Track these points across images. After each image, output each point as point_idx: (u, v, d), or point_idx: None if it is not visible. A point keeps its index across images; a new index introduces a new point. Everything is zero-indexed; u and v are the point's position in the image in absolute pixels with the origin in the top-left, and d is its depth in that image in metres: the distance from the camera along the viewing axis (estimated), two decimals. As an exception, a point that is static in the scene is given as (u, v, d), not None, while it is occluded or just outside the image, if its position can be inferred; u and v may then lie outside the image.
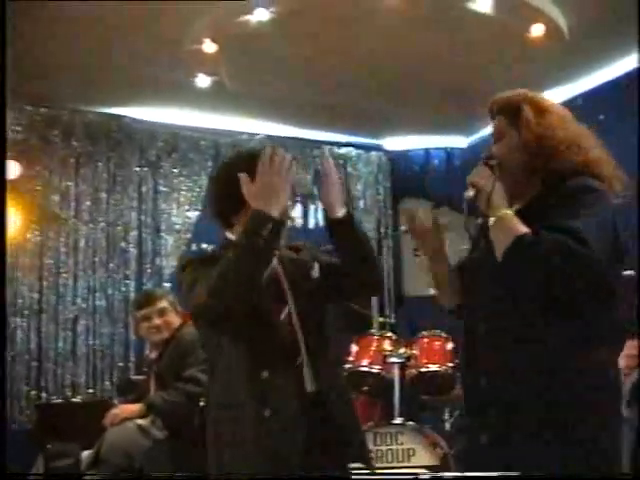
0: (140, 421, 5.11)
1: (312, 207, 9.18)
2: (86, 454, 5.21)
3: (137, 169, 8.82)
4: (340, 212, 3.10)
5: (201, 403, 4.67)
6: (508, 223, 2.68)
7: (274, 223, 2.85)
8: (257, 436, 3.00)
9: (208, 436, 3.22)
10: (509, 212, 2.71)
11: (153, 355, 5.59)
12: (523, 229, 2.63)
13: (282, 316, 3.13)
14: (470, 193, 2.79)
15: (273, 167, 2.90)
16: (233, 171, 3.09)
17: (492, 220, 2.73)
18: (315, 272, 3.24)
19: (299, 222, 8.53)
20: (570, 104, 7.98)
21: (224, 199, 3.23)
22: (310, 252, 3.34)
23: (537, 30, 6.72)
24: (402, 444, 5.97)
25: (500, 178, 2.78)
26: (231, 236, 3.19)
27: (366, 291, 3.99)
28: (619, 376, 2.72)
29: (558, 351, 2.62)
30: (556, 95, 8.19)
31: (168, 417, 5.05)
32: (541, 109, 2.82)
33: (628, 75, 7.73)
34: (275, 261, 3.14)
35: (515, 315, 2.71)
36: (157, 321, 5.41)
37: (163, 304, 5.47)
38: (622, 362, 5.69)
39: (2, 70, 3.59)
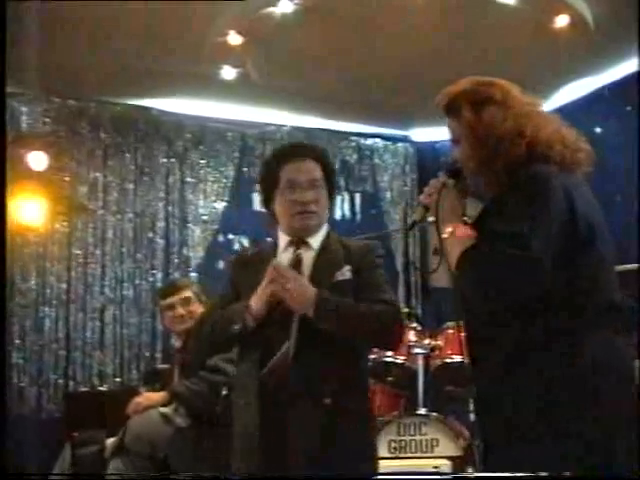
0: (163, 409, 5.15)
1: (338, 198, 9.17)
2: (110, 441, 5.25)
3: (164, 160, 8.85)
4: (310, 311, 3.14)
5: (224, 392, 4.72)
6: (457, 242, 2.69)
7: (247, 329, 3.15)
8: (236, 426, 3.28)
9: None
10: (457, 225, 2.73)
11: (177, 344, 5.63)
12: (468, 242, 2.64)
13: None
14: (415, 216, 2.90)
15: (275, 280, 3.13)
16: (271, 161, 3.48)
17: (444, 235, 2.75)
18: (343, 274, 3.32)
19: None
20: (596, 95, 8.07)
21: (263, 186, 3.48)
22: (367, 252, 3.42)
23: (562, 21, 6.69)
24: (426, 434, 5.99)
25: (471, 180, 2.83)
26: (277, 236, 3.43)
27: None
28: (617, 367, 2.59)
29: (522, 353, 2.61)
30: (581, 87, 8.18)
31: (191, 405, 5.09)
32: (478, 103, 2.77)
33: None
34: (307, 254, 3.35)
35: (482, 320, 2.74)
36: (181, 310, 5.44)
37: (187, 294, 5.50)
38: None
39: (2, 70, 3.61)
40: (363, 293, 3.30)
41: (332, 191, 3.48)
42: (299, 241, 3.38)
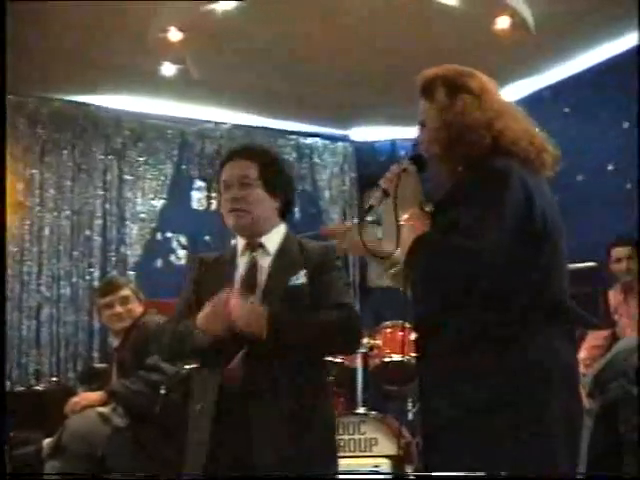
0: (101, 409, 5.09)
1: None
2: (47, 442, 5.18)
3: (102, 157, 8.78)
4: (262, 334, 3.10)
5: (162, 391, 4.68)
6: (410, 228, 2.68)
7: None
8: (190, 429, 3.23)
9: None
10: (415, 211, 2.72)
11: (115, 343, 5.57)
12: (422, 230, 2.63)
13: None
14: (372, 201, 2.82)
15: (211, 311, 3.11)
16: (218, 168, 3.48)
17: (401, 221, 2.73)
18: (298, 279, 3.28)
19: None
20: (537, 96, 8.15)
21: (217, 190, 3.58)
22: (326, 254, 3.38)
23: (503, 23, 6.75)
24: (364, 433, 6.01)
25: (431, 166, 2.81)
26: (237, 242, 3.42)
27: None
28: (556, 365, 2.57)
29: (465, 344, 2.60)
30: (523, 87, 8.26)
31: (130, 405, 5.04)
32: (454, 89, 2.75)
33: (591, 70, 7.81)
34: (263, 258, 3.33)
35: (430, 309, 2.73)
36: (119, 309, 5.38)
37: (125, 292, 5.45)
38: (584, 353, 5.80)
39: (2, 70, 3.56)
40: (321, 297, 3.28)
41: (274, 190, 3.42)
42: (254, 244, 3.36)
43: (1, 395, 4.24)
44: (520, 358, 2.53)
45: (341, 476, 3.26)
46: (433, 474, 2.49)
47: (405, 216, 2.71)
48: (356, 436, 5.99)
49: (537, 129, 2.80)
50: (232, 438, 3.08)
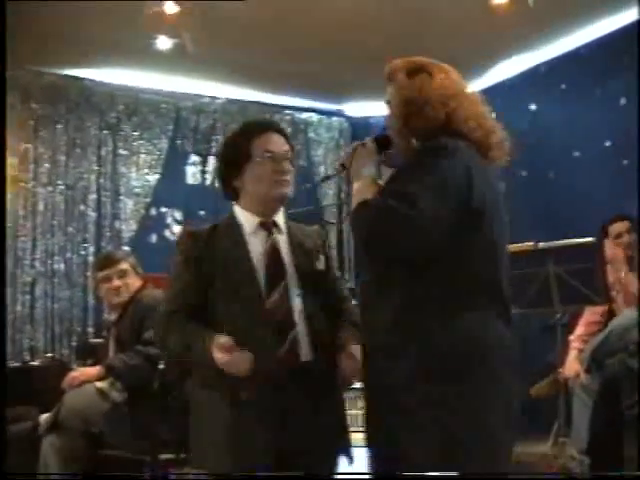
0: (99, 384, 5.06)
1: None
2: (44, 417, 5.16)
3: (97, 132, 8.76)
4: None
5: (160, 366, 4.66)
6: (358, 192, 2.79)
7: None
8: (232, 420, 3.01)
9: (191, 416, 3.25)
10: (365, 181, 2.83)
11: (112, 317, 5.54)
12: (368, 196, 2.72)
13: (276, 294, 3.14)
14: (330, 172, 2.95)
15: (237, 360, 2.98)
16: (241, 134, 3.39)
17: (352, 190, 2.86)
18: (320, 264, 3.28)
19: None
20: (533, 72, 8.14)
21: (230, 159, 3.37)
22: (319, 239, 3.40)
23: (500, -3, 6.71)
24: (362, 409, 5.98)
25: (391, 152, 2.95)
26: (237, 209, 3.34)
27: None
28: (488, 339, 2.64)
29: (403, 310, 2.65)
30: (519, 63, 8.24)
31: (128, 380, 5.01)
32: (414, 69, 2.88)
33: (588, 46, 7.79)
34: (281, 237, 3.30)
35: (371, 276, 2.81)
36: (117, 283, 5.36)
37: (123, 266, 5.42)
38: (581, 329, 5.81)
39: (2, 68, 3.54)
40: (336, 285, 3.41)
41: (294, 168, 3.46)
42: (269, 223, 3.30)
43: (2, 398, 4.21)
44: (452, 332, 2.59)
45: (341, 476, 3.23)
46: (432, 474, 2.50)
47: (356, 184, 2.84)
48: (353, 411, 5.98)
49: (491, 115, 2.91)
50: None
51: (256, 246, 3.24)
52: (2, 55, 3.43)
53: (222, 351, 2.93)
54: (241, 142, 3.33)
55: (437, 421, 2.53)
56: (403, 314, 2.63)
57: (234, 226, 3.30)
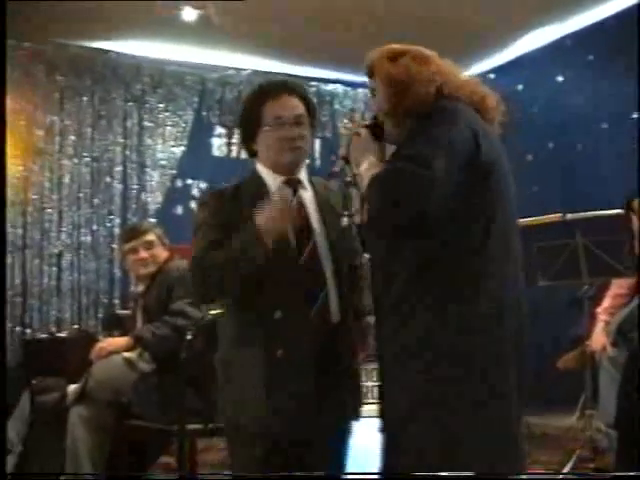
0: (127, 354, 5.05)
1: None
2: (72, 388, 5.17)
3: (122, 104, 8.79)
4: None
5: (188, 336, 4.66)
6: (367, 171, 2.75)
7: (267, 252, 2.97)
8: (268, 378, 3.00)
9: (219, 376, 3.22)
10: (370, 161, 2.79)
11: (139, 289, 5.53)
12: (378, 171, 2.69)
13: (305, 253, 3.12)
14: (335, 168, 2.98)
15: (275, 208, 3.01)
16: (254, 98, 3.32)
17: (358, 174, 2.82)
18: (344, 221, 3.21)
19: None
20: (560, 44, 8.08)
21: (244, 124, 3.33)
22: (342, 196, 3.24)
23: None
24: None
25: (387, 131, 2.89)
26: (260, 167, 3.29)
27: None
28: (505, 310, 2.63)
29: (417, 280, 2.65)
30: (546, 34, 8.18)
31: (156, 350, 5.00)
32: (395, 55, 2.84)
33: (615, 17, 7.72)
34: (306, 194, 3.26)
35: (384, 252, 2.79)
36: (144, 254, 5.34)
37: (150, 237, 5.40)
38: (608, 302, 5.76)
39: (2, 65, 3.53)
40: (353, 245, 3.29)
41: (314, 129, 3.41)
42: (293, 180, 3.27)
43: (2, 398, 4.21)
44: (472, 289, 2.60)
45: (347, 476, 3.22)
46: (435, 474, 2.50)
47: (364, 166, 2.79)
48: (369, 383, 5.97)
49: (478, 81, 2.93)
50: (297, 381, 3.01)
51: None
52: (2, 55, 3.42)
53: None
54: (253, 107, 3.29)
55: (444, 396, 2.54)
56: (416, 281, 2.64)
57: (259, 184, 3.25)
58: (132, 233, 5.50)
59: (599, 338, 5.71)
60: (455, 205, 2.56)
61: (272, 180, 3.26)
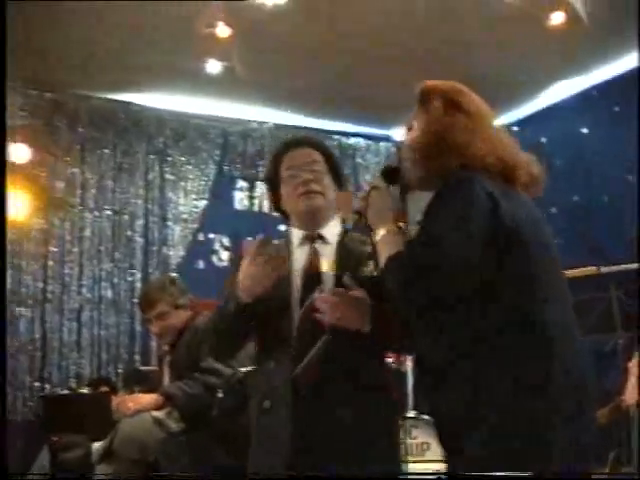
0: (156, 413, 4.94)
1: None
2: (97, 445, 5.07)
3: (144, 156, 8.77)
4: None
5: (219, 394, 4.57)
6: (383, 244, 2.66)
7: (240, 306, 2.98)
8: (258, 429, 3.06)
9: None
10: (389, 228, 2.68)
11: (166, 347, 5.43)
12: (394, 249, 2.59)
13: (301, 310, 3.06)
14: (347, 225, 3.01)
15: (257, 260, 2.97)
16: (273, 157, 3.39)
17: (376, 238, 2.72)
18: (345, 280, 3.10)
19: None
20: (586, 95, 8.05)
21: (268, 183, 3.41)
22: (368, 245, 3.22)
23: (557, 18, 6.64)
24: (416, 438, 5.89)
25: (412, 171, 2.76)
26: (290, 228, 3.32)
27: None
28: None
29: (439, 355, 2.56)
30: (571, 85, 8.16)
31: (187, 408, 4.89)
32: (452, 105, 2.71)
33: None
34: (326, 248, 3.21)
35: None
36: (156, 328, 5.26)
37: (160, 308, 5.22)
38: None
39: (2, 69, 3.50)
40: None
41: (338, 178, 3.35)
42: (313, 235, 3.24)
43: (2, 397, 4.12)
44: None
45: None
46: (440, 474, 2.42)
47: (381, 232, 2.70)
48: (408, 440, 5.86)
49: (515, 146, 2.76)
50: (308, 432, 2.92)
51: (300, 256, 3.21)
52: (2, 53, 3.38)
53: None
54: (272, 165, 3.36)
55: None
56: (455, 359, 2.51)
57: (287, 242, 3.28)
58: (144, 304, 5.39)
59: (633, 393, 5.61)
60: (474, 282, 2.45)
61: (296, 237, 3.28)
